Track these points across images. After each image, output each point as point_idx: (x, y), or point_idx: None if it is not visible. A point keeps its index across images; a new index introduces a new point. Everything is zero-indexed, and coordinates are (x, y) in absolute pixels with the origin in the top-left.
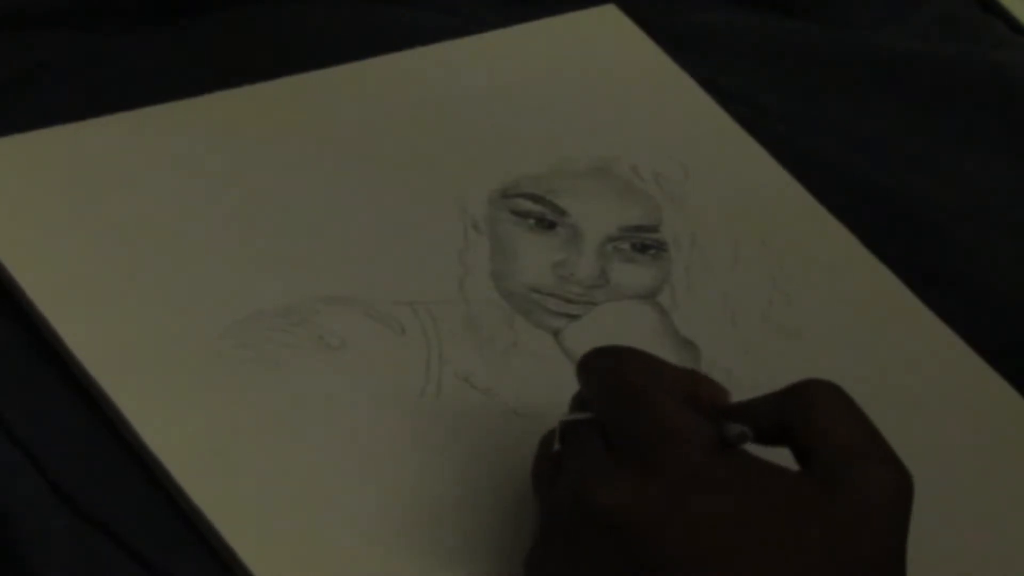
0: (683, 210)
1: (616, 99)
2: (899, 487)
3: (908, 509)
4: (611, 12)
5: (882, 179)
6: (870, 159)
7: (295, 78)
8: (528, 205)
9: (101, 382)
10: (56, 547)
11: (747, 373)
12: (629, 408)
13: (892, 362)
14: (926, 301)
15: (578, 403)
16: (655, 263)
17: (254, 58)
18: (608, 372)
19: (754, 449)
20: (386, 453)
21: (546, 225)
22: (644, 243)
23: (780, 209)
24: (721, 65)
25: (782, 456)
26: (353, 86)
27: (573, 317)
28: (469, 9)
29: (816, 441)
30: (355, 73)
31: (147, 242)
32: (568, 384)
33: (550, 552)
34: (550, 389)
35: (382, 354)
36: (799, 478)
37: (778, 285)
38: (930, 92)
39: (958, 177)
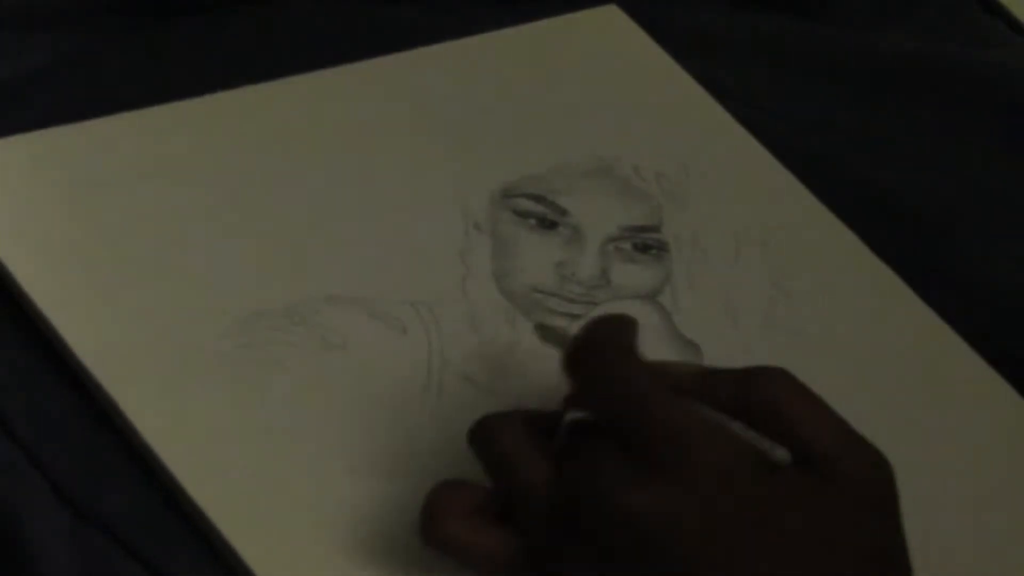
0: (684, 210)
1: (617, 99)
2: (884, 474)
3: (895, 492)
4: (612, 12)
5: (882, 179)
6: (871, 159)
7: (295, 78)
8: (529, 205)
9: (102, 382)
10: (56, 547)
11: None
12: (637, 410)
13: (892, 362)
14: (926, 301)
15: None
16: (656, 263)
17: (254, 58)
18: (606, 372)
19: None
20: (386, 453)
21: (547, 225)
22: (645, 243)
23: (781, 209)
24: (721, 65)
25: None
26: (353, 86)
27: (575, 317)
28: (469, 9)
29: (788, 437)
30: (355, 73)
31: (147, 242)
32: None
33: (565, 552)
34: (551, 389)
35: (384, 354)
36: (797, 475)
37: (779, 285)
38: (930, 92)
39: (958, 177)
